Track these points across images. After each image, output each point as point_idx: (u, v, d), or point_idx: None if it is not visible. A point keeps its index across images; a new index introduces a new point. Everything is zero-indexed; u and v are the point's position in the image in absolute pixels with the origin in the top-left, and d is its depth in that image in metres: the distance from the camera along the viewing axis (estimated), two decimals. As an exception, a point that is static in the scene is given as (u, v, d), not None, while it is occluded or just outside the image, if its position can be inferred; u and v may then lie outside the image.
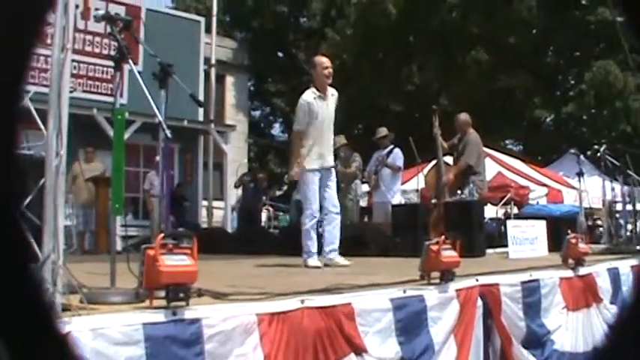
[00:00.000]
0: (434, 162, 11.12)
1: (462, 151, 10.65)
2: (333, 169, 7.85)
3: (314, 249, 7.52)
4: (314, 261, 7.41)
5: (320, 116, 7.65)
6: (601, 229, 15.97)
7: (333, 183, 7.75)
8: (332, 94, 7.82)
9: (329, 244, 7.60)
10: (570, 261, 6.98)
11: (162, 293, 3.26)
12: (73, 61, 3.62)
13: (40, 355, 1.27)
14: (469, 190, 10.23)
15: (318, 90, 7.72)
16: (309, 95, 7.71)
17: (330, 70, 7.77)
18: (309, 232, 7.53)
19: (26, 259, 1.37)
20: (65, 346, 1.41)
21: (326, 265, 7.38)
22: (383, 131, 12.49)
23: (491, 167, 15.31)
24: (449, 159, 11.19)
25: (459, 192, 10.31)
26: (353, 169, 12.78)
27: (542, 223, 9.96)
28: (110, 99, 4.28)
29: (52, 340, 1.31)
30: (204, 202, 18.04)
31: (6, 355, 1.22)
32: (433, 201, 10.83)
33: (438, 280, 5.03)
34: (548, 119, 31.37)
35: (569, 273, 6.84)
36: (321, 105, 7.68)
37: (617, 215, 13.88)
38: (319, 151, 7.64)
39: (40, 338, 1.25)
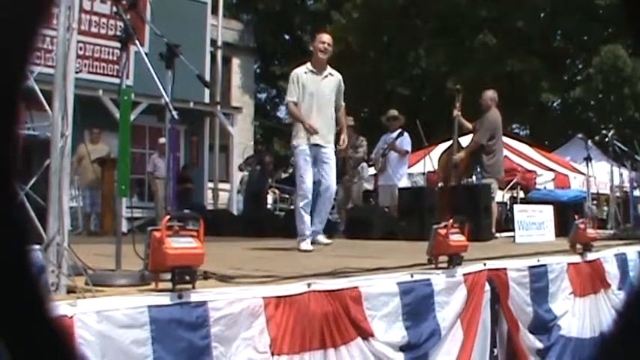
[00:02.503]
0: (449, 143, 11.04)
1: (478, 129, 10.55)
2: (329, 148, 7.60)
3: (307, 231, 7.40)
4: (306, 244, 7.30)
5: (309, 91, 7.47)
6: (604, 215, 15.94)
7: (331, 162, 7.55)
8: (330, 74, 7.66)
9: (314, 222, 7.57)
10: (578, 246, 6.93)
11: (168, 276, 3.24)
12: (78, 42, 3.58)
13: (33, 346, 1.24)
14: (475, 173, 10.18)
15: (312, 65, 7.60)
16: (300, 69, 7.62)
17: (327, 46, 7.57)
18: (301, 214, 7.39)
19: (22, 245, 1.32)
20: (59, 337, 1.38)
21: (312, 243, 7.38)
22: (394, 112, 12.41)
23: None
24: (468, 138, 11.03)
25: (473, 177, 10.26)
26: (361, 154, 12.74)
27: (550, 209, 9.89)
28: (116, 80, 4.24)
29: (46, 329, 1.27)
30: (210, 184, 18.02)
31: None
32: (440, 184, 10.78)
33: (445, 265, 5.00)
34: (555, 104, 31.20)
35: (576, 258, 6.81)
36: (312, 80, 7.51)
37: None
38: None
39: (33, 328, 1.22)
